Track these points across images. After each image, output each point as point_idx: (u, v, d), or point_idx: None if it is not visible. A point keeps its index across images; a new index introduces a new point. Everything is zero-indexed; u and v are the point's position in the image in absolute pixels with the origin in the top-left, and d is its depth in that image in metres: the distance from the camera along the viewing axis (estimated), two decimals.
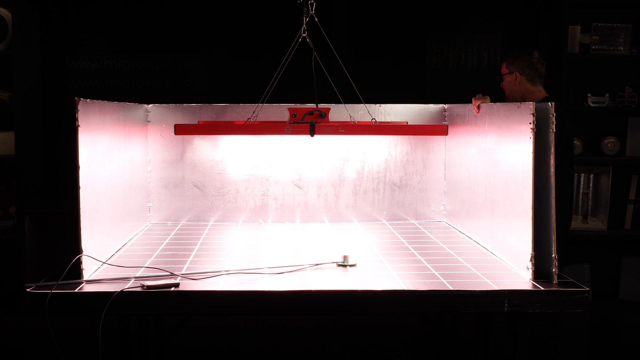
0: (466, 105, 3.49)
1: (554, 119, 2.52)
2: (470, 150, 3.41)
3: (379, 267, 2.80)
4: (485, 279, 2.58)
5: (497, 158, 3.00)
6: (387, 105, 3.86)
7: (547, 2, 5.31)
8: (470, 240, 3.38)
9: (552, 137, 2.52)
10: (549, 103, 2.53)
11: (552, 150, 2.52)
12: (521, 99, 3.88)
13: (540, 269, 2.57)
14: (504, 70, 3.97)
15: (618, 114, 5.34)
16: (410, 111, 3.87)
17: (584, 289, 2.46)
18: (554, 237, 2.51)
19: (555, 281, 2.51)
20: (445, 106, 3.88)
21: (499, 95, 4.03)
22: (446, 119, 3.86)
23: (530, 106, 2.57)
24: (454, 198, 3.77)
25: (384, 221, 3.91)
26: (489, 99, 3.37)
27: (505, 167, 2.87)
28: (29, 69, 5.23)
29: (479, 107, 3.30)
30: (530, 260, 2.56)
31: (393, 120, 3.85)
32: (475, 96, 3.40)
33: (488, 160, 3.12)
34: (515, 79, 3.90)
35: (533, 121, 2.55)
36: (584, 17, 5.24)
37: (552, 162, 2.52)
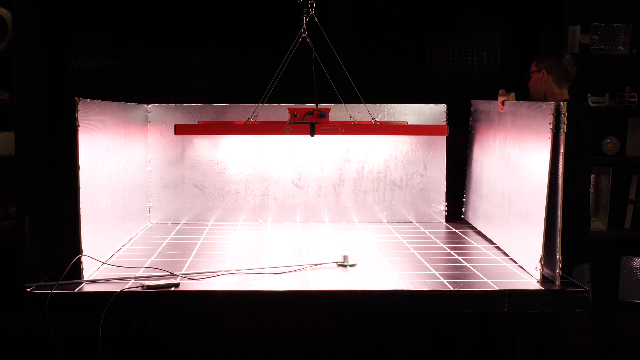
0: (491, 102, 3.48)
1: (565, 119, 2.50)
2: (491, 149, 3.38)
3: (379, 267, 2.79)
4: (486, 279, 2.58)
5: (515, 158, 2.98)
6: (388, 105, 3.86)
7: (547, 2, 5.31)
8: (471, 240, 3.38)
9: (562, 137, 2.51)
10: (561, 102, 2.52)
11: (562, 150, 2.51)
12: (543, 99, 3.74)
13: (545, 270, 2.56)
14: (533, 68, 3.81)
15: (618, 114, 5.34)
16: (410, 111, 3.87)
17: (584, 289, 2.46)
18: (559, 239, 2.51)
19: (557, 282, 2.51)
20: (473, 102, 3.89)
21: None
22: (472, 115, 3.88)
23: (551, 106, 2.54)
24: (472, 197, 3.77)
25: (384, 221, 3.91)
26: (514, 95, 3.29)
27: (523, 168, 2.86)
28: (29, 69, 5.23)
29: (503, 103, 3.26)
30: (540, 261, 2.56)
31: (393, 120, 3.85)
32: (499, 92, 3.33)
33: (506, 161, 3.11)
34: (542, 77, 3.74)
35: (552, 121, 2.53)
36: (584, 17, 5.24)
37: (561, 162, 2.51)
